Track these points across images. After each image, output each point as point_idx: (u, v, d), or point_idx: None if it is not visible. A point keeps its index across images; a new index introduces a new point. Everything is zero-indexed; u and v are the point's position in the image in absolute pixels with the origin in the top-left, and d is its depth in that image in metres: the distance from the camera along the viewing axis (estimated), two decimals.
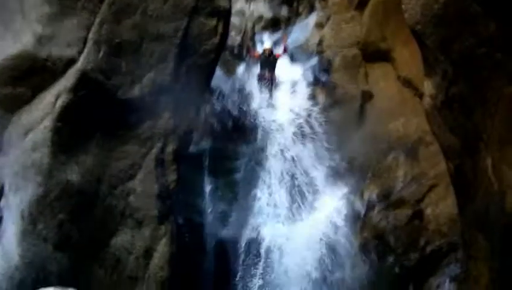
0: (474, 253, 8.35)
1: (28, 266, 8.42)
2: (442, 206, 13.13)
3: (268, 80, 17.38)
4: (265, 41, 18.94)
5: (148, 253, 10.35)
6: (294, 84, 17.62)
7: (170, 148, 11.00)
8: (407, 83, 14.69)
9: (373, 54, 15.95)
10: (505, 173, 7.81)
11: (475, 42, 7.75)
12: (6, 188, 8.69)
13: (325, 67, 16.98)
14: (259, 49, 18.60)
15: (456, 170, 8.55)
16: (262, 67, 17.63)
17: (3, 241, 8.42)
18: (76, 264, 9.01)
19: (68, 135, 9.56)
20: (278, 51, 18.34)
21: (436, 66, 8.59)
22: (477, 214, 8.26)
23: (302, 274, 14.50)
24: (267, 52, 17.60)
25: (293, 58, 18.59)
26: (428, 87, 9.12)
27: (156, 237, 10.50)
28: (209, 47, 12.23)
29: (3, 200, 8.64)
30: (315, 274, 14.27)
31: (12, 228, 8.53)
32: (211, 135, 15.60)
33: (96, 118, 10.08)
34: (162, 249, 10.59)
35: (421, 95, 11.44)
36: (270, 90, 17.33)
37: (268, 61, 17.52)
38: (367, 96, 15.73)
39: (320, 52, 17.78)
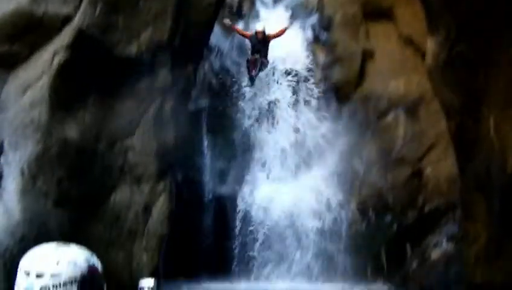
0: (473, 213, 8.39)
1: (29, 222, 8.44)
2: (441, 166, 13.16)
3: (257, 67, 15.26)
4: (260, 23, 16.18)
5: (147, 209, 10.39)
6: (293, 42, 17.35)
7: (168, 105, 10.94)
8: (408, 41, 14.55)
9: (374, 11, 15.74)
10: (507, 134, 7.80)
11: (481, 1, 7.65)
12: (5, 145, 8.66)
13: (325, 25, 16.72)
14: (256, 26, 15.86)
15: (456, 129, 8.53)
16: (252, 51, 15.45)
17: (4, 198, 8.42)
18: (77, 220, 9.03)
19: (66, 92, 9.50)
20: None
21: (439, 25, 8.50)
22: (477, 174, 8.28)
23: (299, 229, 14.58)
24: (259, 35, 15.25)
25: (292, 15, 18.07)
26: (430, 45, 9.04)
27: (155, 193, 10.52)
28: (207, 4, 12.08)
29: (3, 157, 8.61)
30: (313, 229, 14.35)
31: (12, 184, 8.52)
32: (209, 92, 15.51)
33: (93, 75, 9.99)
34: (161, 205, 10.63)
35: (422, 54, 11.35)
36: (253, 78, 15.27)
37: (260, 44, 15.35)
38: (368, 55, 15.56)
39: (320, 10, 17.49)
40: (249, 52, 15.34)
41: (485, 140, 7.61)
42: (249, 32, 15.69)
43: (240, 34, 15.70)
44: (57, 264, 2.88)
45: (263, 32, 15.04)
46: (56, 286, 2.83)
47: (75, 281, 2.87)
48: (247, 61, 15.27)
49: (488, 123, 7.93)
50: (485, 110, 8.20)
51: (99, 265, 3.04)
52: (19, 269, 2.88)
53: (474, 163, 8.11)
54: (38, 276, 2.86)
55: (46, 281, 2.86)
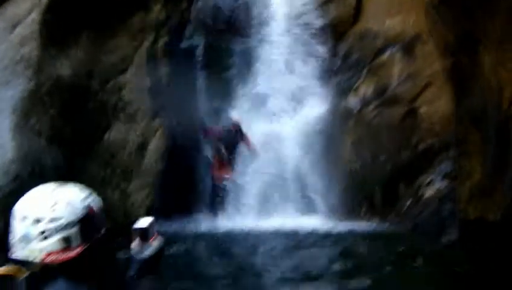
0: (468, 149, 8.39)
1: (23, 160, 8.38)
2: (436, 105, 13.11)
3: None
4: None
5: (141, 147, 10.35)
6: None
7: (162, 41, 10.81)
8: None
9: None
10: (503, 71, 7.73)
11: None
12: None
13: None
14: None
15: (452, 67, 8.46)
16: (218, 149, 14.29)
17: None
18: (71, 158, 8.99)
19: (57, 28, 9.33)
20: None
21: None
22: (473, 110, 8.24)
23: (295, 168, 14.63)
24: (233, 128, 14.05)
25: None
26: None
27: (149, 131, 10.48)
28: None
29: None
30: (308, 168, 14.40)
31: (5, 122, 8.44)
32: (203, 30, 15.30)
33: (85, 11, 9.79)
34: (155, 143, 10.60)
35: None
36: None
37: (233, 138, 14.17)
38: None
39: None
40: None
41: (481, 77, 7.55)
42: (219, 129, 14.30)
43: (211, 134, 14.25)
44: (55, 207, 2.82)
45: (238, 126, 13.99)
46: (56, 230, 2.79)
47: (75, 223, 2.83)
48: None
49: (484, 61, 7.85)
50: (481, 48, 8.10)
51: (98, 203, 2.99)
52: (14, 214, 2.82)
53: (469, 100, 8.07)
54: (37, 221, 2.80)
55: (45, 225, 2.81)
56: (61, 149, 8.83)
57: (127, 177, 10.12)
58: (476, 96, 7.74)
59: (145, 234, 3.41)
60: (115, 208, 9.87)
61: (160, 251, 3.42)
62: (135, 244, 3.41)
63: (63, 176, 8.64)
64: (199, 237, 10.43)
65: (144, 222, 3.49)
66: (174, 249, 8.40)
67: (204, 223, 12.60)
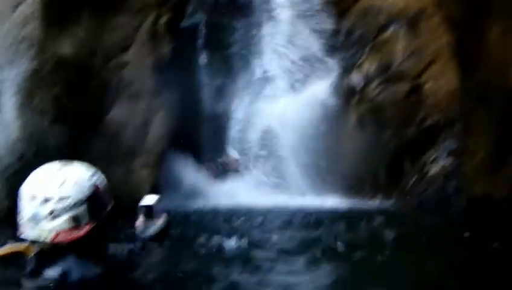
0: (473, 126, 8.35)
1: (28, 139, 8.39)
2: (441, 81, 13.04)
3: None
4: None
5: (145, 125, 10.34)
6: None
7: (163, 19, 10.72)
8: None
9: None
10: (509, 46, 7.66)
11: None
12: (1, 61, 8.52)
13: None
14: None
15: (458, 42, 8.37)
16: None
17: (2, 115, 8.35)
18: (75, 137, 8.98)
19: (59, 6, 9.25)
20: None
21: None
22: (478, 86, 8.19)
23: (298, 146, 14.61)
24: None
25: None
26: None
27: (152, 109, 10.46)
28: None
29: None
30: (311, 146, 14.36)
31: (10, 102, 8.44)
32: (205, 7, 15.21)
33: None
34: (159, 121, 10.58)
35: None
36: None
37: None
38: None
39: None
40: None
41: (487, 53, 7.48)
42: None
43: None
44: (63, 186, 2.82)
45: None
46: (64, 209, 2.79)
47: (83, 201, 2.83)
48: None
49: (490, 36, 7.78)
50: (488, 23, 8.03)
51: (104, 181, 2.98)
52: (22, 194, 2.81)
53: (475, 76, 8.00)
54: (46, 200, 2.79)
55: (54, 205, 2.80)
56: (65, 128, 8.82)
57: (131, 155, 10.12)
58: (482, 72, 7.67)
59: (150, 212, 3.41)
60: (119, 186, 9.85)
61: (165, 229, 3.43)
62: (140, 221, 3.42)
63: (67, 154, 8.62)
64: (204, 213, 10.40)
65: (149, 200, 3.48)
66: (177, 226, 8.38)
67: (208, 201, 12.63)
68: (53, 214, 2.77)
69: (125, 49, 9.98)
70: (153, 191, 10.52)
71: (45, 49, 8.62)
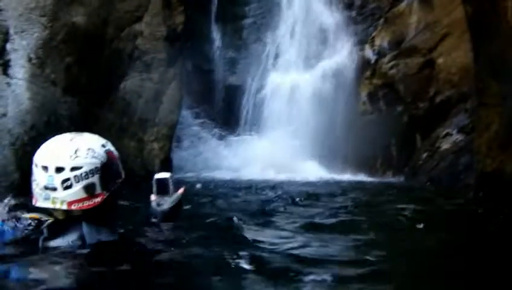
0: (486, 100, 8.25)
1: (39, 109, 8.34)
2: (454, 56, 12.96)
3: None
4: None
5: (157, 96, 10.31)
6: None
7: None
8: None
9: None
10: None
11: None
12: (11, 32, 8.43)
13: None
14: None
15: (473, 13, 8.26)
16: None
17: (12, 85, 8.30)
18: (87, 108, 8.94)
19: None
20: None
21: None
22: (492, 59, 8.07)
23: (310, 120, 14.58)
24: None
25: None
26: None
27: (165, 80, 10.41)
28: None
29: (9, 44, 8.40)
30: (323, 121, 14.33)
31: (20, 72, 8.37)
32: None
33: None
34: (171, 92, 10.55)
35: None
36: None
37: None
38: None
39: None
40: None
41: (502, 26, 7.36)
42: None
43: None
44: (75, 156, 2.82)
45: None
46: (78, 178, 2.79)
47: (97, 170, 2.83)
48: None
49: (505, 9, 7.65)
50: None
51: (115, 152, 2.99)
52: (34, 164, 2.81)
53: (489, 48, 7.88)
54: (58, 170, 2.80)
55: (68, 174, 2.81)
56: (77, 98, 8.77)
57: (143, 126, 10.11)
58: (496, 46, 7.57)
59: (164, 186, 3.43)
60: (132, 157, 9.89)
61: (178, 204, 3.45)
62: (154, 195, 3.43)
63: (78, 125, 8.66)
64: (215, 185, 10.41)
65: (163, 174, 3.51)
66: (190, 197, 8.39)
67: (218, 174, 12.64)
68: (66, 183, 2.78)
69: (138, 18, 9.90)
70: (164, 162, 10.59)
71: (57, 17, 8.53)
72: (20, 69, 8.35)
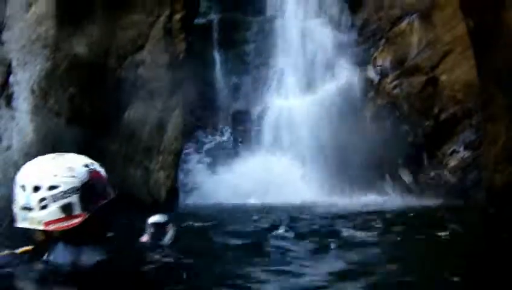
0: (493, 113, 8.22)
1: (42, 141, 8.33)
2: (457, 72, 12.93)
3: None
4: None
5: (161, 124, 10.27)
6: None
7: (178, 16, 10.62)
8: None
9: None
10: None
11: None
12: (14, 64, 8.47)
13: None
14: None
15: (475, 27, 8.25)
16: None
17: (16, 118, 8.31)
18: (91, 137, 8.88)
19: (72, 6, 9.19)
20: None
21: None
22: (496, 71, 8.06)
23: (314, 143, 14.52)
24: None
25: None
26: None
27: (169, 108, 10.37)
28: None
29: (12, 76, 8.43)
30: (328, 143, 14.27)
31: (24, 104, 8.38)
32: (219, 4, 15.18)
33: None
34: (175, 120, 10.49)
35: None
36: None
37: None
38: None
39: None
40: None
41: (506, 36, 7.35)
42: None
43: None
44: (54, 175, 2.73)
45: None
46: (55, 198, 2.70)
47: (75, 189, 2.73)
48: None
49: (507, 21, 7.65)
50: (503, 9, 7.91)
51: (100, 170, 2.88)
52: (15, 183, 2.73)
53: (493, 62, 7.88)
54: (36, 189, 2.71)
55: (44, 193, 2.71)
56: (81, 128, 8.74)
57: (148, 155, 10.04)
58: (501, 57, 7.55)
59: (159, 229, 3.35)
60: (138, 187, 9.83)
61: (177, 237, 3.36)
62: (147, 237, 3.35)
63: (83, 155, 8.63)
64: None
65: (158, 218, 3.42)
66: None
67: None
68: (42, 203, 2.69)
69: (140, 47, 9.90)
70: (171, 191, 10.51)
71: (60, 48, 8.55)
72: (23, 101, 8.36)
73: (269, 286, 3.45)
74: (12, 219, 2.76)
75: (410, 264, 4.79)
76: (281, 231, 5.70)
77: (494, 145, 8.34)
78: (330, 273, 4.49)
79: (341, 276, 4.44)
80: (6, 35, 8.35)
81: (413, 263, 4.59)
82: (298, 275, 4.42)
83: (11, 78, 8.34)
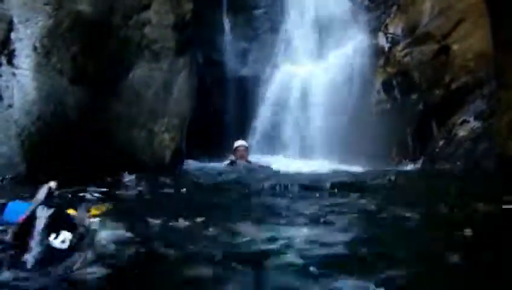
0: (506, 80, 8.01)
1: (45, 99, 8.18)
2: (469, 41, 12.69)
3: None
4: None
5: (167, 86, 10.11)
6: None
7: None
8: None
9: None
10: None
11: None
12: (15, 21, 8.27)
13: None
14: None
15: None
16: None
17: (17, 75, 8.15)
18: (95, 98, 8.74)
19: None
20: None
21: None
22: (510, 42, 7.84)
23: (323, 111, 14.38)
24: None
25: None
26: None
27: (175, 70, 10.20)
28: None
29: (13, 33, 8.25)
30: (337, 111, 14.12)
31: (26, 61, 8.21)
32: None
33: None
34: (181, 82, 10.34)
35: None
36: None
37: None
38: None
39: None
40: None
41: None
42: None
43: None
44: None
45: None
46: None
47: None
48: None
49: None
50: None
51: None
52: None
53: (508, 28, 7.66)
54: None
55: None
56: (85, 88, 8.58)
57: (153, 117, 9.90)
58: None
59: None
60: (142, 149, 9.71)
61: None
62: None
63: (86, 115, 8.49)
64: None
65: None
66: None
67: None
68: None
69: (146, 6, 9.69)
70: (176, 153, 10.40)
71: (62, 5, 8.35)
72: (25, 59, 8.20)
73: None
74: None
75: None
76: None
77: (506, 114, 8.14)
78: None
79: None
80: None
81: None
82: None
83: (13, 35, 8.16)
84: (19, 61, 8.16)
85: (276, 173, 10.02)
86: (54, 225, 2.77)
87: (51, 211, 2.77)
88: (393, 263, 3.29)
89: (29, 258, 2.69)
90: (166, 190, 6.99)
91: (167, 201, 6.17)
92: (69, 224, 2.83)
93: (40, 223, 2.74)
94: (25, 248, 2.71)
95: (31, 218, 2.75)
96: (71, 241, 2.77)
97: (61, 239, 2.76)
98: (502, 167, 8.19)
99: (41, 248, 2.73)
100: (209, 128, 13.28)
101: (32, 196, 3.00)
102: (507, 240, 3.95)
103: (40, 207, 2.73)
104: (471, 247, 3.74)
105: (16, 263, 2.71)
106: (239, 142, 12.46)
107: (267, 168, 10.94)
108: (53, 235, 2.74)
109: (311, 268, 3.03)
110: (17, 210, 2.94)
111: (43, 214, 2.76)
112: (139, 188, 7.12)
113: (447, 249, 3.59)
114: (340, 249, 3.60)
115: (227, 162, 12.17)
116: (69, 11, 8.39)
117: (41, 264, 2.70)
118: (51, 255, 2.71)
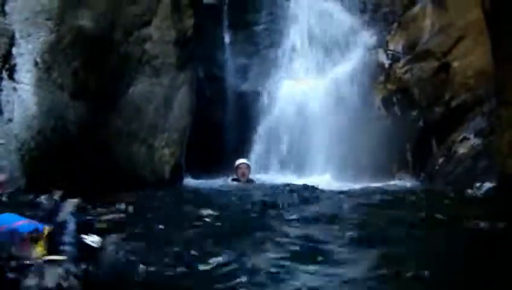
0: (506, 98, 8.04)
1: (46, 114, 8.21)
2: (470, 59, 12.75)
3: None
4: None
5: (167, 102, 10.14)
6: None
7: None
8: None
9: None
10: None
11: None
12: (17, 36, 8.32)
13: None
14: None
15: (488, 14, 8.06)
16: None
17: (18, 90, 8.19)
18: (95, 113, 8.77)
19: None
20: None
21: None
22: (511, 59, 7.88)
23: (323, 127, 14.38)
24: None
25: None
26: None
27: (175, 85, 10.24)
28: None
29: (15, 48, 8.30)
30: (337, 127, 14.12)
31: (27, 76, 8.26)
32: None
33: None
34: (181, 97, 10.38)
35: None
36: None
37: None
38: None
39: None
40: None
41: None
42: None
43: None
44: None
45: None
46: None
47: None
48: None
49: None
50: None
51: None
52: None
53: (509, 45, 7.70)
54: None
55: None
56: (85, 103, 8.62)
57: (153, 132, 9.92)
58: None
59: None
60: (142, 164, 9.73)
61: None
62: None
63: (86, 130, 8.51)
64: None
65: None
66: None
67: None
68: None
69: (147, 22, 9.74)
70: (175, 169, 10.42)
71: (64, 21, 8.40)
72: (26, 74, 8.24)
73: None
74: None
75: None
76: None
77: (507, 131, 8.16)
78: None
79: None
80: (9, 6, 8.21)
81: None
82: None
83: (14, 50, 8.21)
84: (20, 76, 8.20)
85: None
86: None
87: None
88: None
89: None
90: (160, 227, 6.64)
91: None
92: None
93: None
94: None
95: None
96: None
97: None
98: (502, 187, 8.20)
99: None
100: (209, 143, 13.28)
101: (32, 208, 3.00)
102: None
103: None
104: None
105: None
106: (240, 160, 12.56)
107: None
108: None
109: None
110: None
111: None
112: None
113: None
114: None
115: (229, 179, 12.29)
116: (71, 27, 8.44)
117: None
118: None
